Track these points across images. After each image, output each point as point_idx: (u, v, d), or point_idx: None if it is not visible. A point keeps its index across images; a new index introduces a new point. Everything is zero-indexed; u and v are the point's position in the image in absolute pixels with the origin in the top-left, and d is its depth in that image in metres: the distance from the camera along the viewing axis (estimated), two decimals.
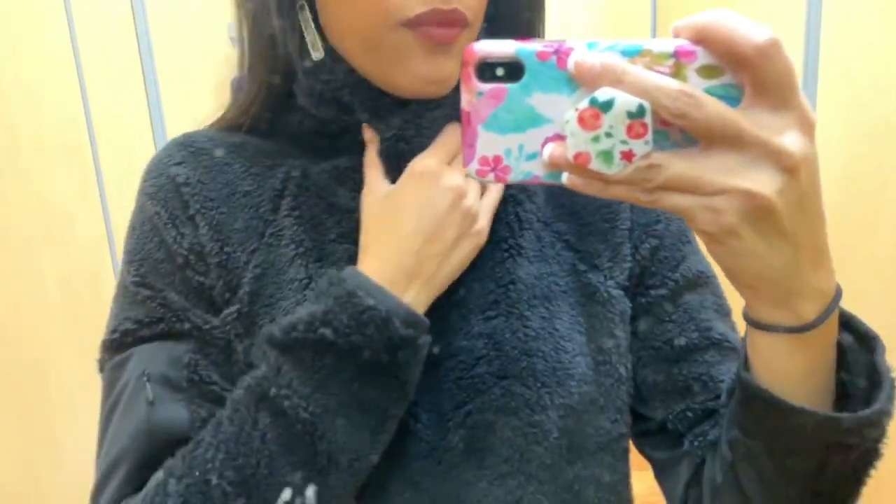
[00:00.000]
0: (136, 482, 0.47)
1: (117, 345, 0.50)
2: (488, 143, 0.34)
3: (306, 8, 0.47)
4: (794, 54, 1.52)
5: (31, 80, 1.49)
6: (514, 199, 0.53)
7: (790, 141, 0.32)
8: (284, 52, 0.48)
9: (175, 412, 0.48)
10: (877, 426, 0.38)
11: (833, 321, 0.38)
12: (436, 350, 0.47)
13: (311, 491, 0.43)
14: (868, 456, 0.40)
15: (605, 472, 0.51)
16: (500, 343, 0.48)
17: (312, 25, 0.47)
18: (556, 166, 0.33)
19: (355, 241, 0.49)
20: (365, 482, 0.46)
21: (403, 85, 0.47)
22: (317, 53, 0.47)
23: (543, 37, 0.54)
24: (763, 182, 0.32)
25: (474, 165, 0.35)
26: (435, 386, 0.48)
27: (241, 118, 0.53)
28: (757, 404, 0.40)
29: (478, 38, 0.48)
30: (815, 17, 1.48)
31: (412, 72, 0.46)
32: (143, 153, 1.83)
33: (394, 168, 0.49)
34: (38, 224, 1.51)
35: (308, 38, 0.47)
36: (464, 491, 0.48)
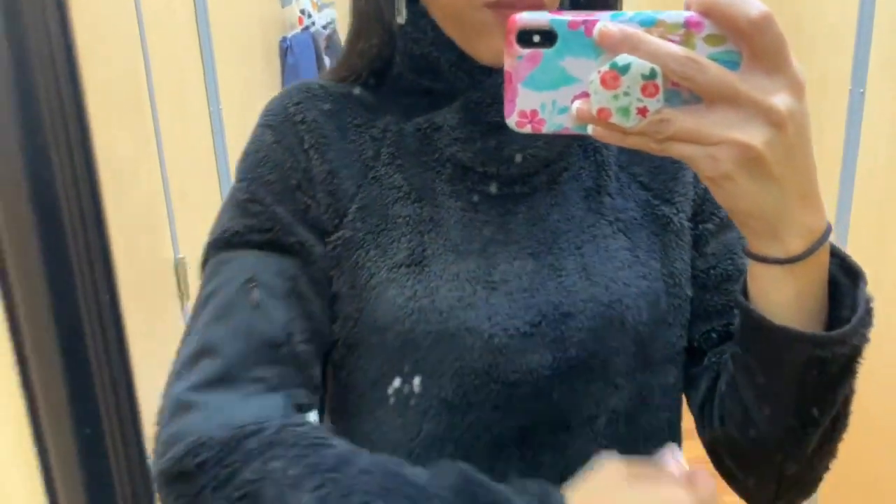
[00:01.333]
0: (222, 375, 0.49)
1: (223, 243, 0.54)
2: (526, 99, 0.40)
3: None
4: (846, 43, 1.48)
5: (96, 36, 1.57)
6: (594, 146, 0.58)
7: (779, 100, 0.37)
8: (389, 18, 0.55)
9: (274, 319, 0.51)
10: (845, 344, 0.44)
11: (822, 256, 0.43)
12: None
13: None
14: (843, 372, 0.46)
15: (669, 379, 0.58)
16: (589, 270, 0.54)
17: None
18: (582, 119, 0.38)
19: (446, 190, 0.55)
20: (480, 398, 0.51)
21: (484, 57, 0.52)
22: (400, 18, 0.54)
23: (620, 8, 0.58)
24: (754, 135, 0.37)
25: (514, 118, 0.40)
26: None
27: (350, 75, 0.59)
28: (748, 322, 0.47)
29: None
30: (868, 7, 1.44)
31: (492, 47, 0.51)
32: (196, 106, 1.91)
33: (478, 120, 0.53)
34: (102, 173, 1.61)
35: (396, 6, 0.54)
36: (554, 405, 0.54)
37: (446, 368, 0.51)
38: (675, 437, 0.60)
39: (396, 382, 0.50)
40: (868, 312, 0.45)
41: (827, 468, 0.53)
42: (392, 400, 0.50)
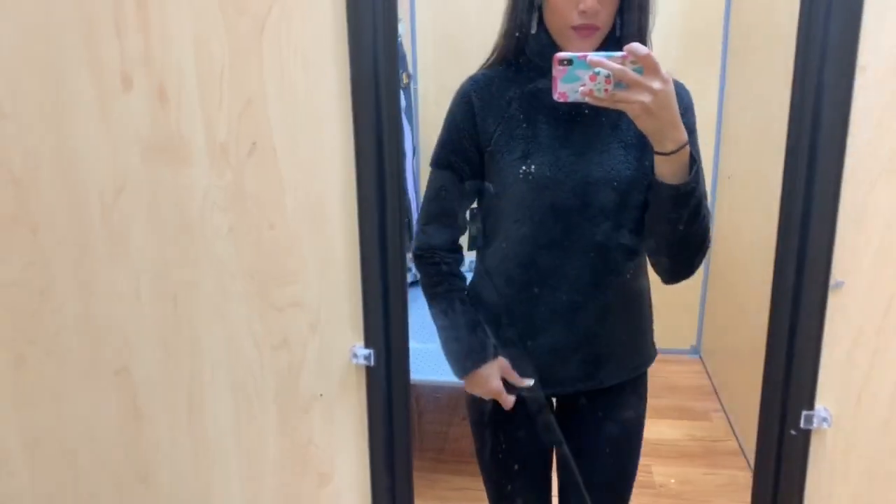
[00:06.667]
0: (432, 222, 1.22)
1: (433, 163, 1.21)
2: (562, 87, 0.96)
3: (535, 10, 1.08)
4: None
5: None
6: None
7: (656, 85, 0.92)
8: (526, 29, 1.10)
9: (453, 203, 1.21)
10: (680, 189, 0.99)
11: (685, 154, 0.98)
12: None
13: None
14: (681, 203, 1.01)
15: (640, 201, 1.11)
16: (602, 163, 1.09)
17: (535, 19, 1.08)
18: (583, 95, 0.94)
19: (543, 120, 1.10)
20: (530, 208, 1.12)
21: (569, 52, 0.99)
22: (532, 29, 1.09)
23: (649, 33, 1.08)
24: (645, 99, 0.92)
25: (556, 95, 0.96)
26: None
27: (499, 62, 1.16)
28: (650, 181, 1.05)
29: (610, 32, 1.06)
30: None
31: (572, 48, 1.04)
32: None
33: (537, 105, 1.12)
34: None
35: (530, 23, 1.09)
36: (578, 207, 1.11)
37: (533, 196, 1.11)
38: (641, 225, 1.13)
39: (522, 173, 1.11)
40: (694, 178, 0.98)
41: (690, 265, 1.10)
42: (521, 176, 1.10)
